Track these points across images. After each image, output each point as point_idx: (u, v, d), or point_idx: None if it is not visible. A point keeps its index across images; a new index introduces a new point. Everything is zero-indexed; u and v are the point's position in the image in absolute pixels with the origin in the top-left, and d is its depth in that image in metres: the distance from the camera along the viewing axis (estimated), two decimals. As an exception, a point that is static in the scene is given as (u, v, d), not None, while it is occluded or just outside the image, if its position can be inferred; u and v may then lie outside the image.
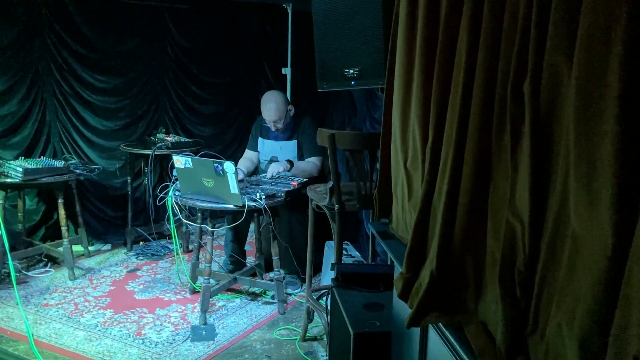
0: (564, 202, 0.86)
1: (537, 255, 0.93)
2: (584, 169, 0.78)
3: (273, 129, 3.67)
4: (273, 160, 3.76)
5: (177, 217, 3.17)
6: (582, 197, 0.79)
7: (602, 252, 0.74)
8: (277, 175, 3.48)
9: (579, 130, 0.79)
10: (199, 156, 3.00)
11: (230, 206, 2.95)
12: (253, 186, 3.30)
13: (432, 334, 1.30)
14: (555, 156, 0.90)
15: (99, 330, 3.02)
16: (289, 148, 3.74)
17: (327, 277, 3.46)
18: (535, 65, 0.91)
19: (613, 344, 0.72)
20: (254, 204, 2.95)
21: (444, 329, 1.17)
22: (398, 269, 1.45)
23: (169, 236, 4.45)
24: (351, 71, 2.36)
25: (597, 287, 0.75)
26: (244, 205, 2.91)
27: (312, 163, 3.65)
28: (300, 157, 3.72)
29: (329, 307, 2.24)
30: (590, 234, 0.77)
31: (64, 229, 3.70)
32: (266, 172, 3.64)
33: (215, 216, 3.12)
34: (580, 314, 0.78)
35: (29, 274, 3.80)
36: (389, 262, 2.53)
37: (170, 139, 4.26)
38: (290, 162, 3.57)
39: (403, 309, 1.52)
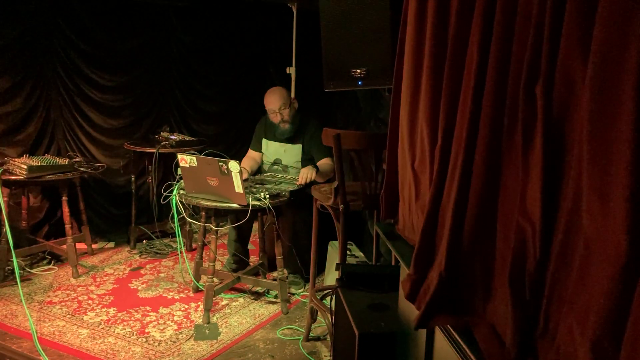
0: (576, 204, 0.85)
1: (548, 257, 0.92)
2: (598, 171, 0.78)
3: (278, 119, 3.64)
4: (277, 162, 3.76)
5: (181, 215, 3.17)
6: (595, 199, 0.78)
7: (615, 254, 0.74)
8: (308, 181, 3.43)
9: (593, 132, 0.78)
10: (203, 155, 3.00)
11: (235, 205, 2.94)
12: (257, 185, 3.29)
13: (439, 335, 1.29)
14: (567, 158, 0.89)
15: (102, 328, 3.03)
16: (293, 152, 3.73)
17: (330, 276, 3.45)
18: (548, 67, 0.91)
19: (626, 349, 0.71)
20: (258, 203, 2.95)
21: (451, 330, 1.17)
22: (405, 270, 1.45)
23: (173, 234, 4.44)
24: (358, 71, 2.35)
25: (610, 289, 0.75)
26: (248, 205, 2.91)
27: (329, 165, 3.61)
28: (305, 160, 3.70)
29: (332, 308, 2.24)
30: (603, 236, 0.77)
31: (67, 226, 3.70)
32: (270, 173, 3.69)
33: (219, 215, 3.12)
34: (593, 317, 0.77)
35: (33, 271, 3.81)
36: (393, 263, 2.53)
37: (175, 137, 4.26)
38: (317, 167, 3.54)
39: (409, 310, 1.52)
